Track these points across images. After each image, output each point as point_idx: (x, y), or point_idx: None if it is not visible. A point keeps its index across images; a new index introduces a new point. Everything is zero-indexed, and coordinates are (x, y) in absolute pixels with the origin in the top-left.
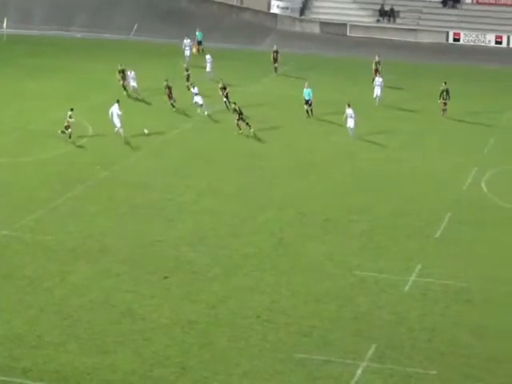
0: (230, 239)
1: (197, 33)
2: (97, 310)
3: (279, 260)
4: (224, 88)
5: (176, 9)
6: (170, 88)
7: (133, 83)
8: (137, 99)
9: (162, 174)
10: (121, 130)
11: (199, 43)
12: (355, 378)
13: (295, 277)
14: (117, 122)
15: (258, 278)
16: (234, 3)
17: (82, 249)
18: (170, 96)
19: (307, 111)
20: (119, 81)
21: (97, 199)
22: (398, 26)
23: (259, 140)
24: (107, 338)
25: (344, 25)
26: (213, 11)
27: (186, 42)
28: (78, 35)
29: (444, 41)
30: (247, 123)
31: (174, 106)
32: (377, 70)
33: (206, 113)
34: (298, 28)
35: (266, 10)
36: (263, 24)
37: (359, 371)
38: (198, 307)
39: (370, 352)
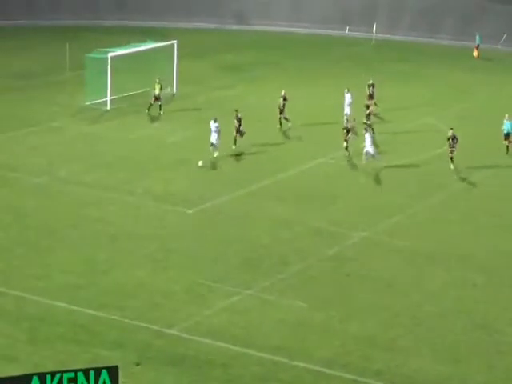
0: None
1: (477, 36)
2: (451, 319)
3: None
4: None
5: None
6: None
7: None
8: None
9: None
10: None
11: (478, 47)
12: None
13: None
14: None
15: None
16: None
17: (439, 256)
18: None
19: (507, 147)
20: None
21: (456, 207)
22: None
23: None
24: (460, 347)
25: None
26: None
27: None
28: (444, 42)
29: None
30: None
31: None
32: None
33: None
34: None
35: None
36: None
37: None
38: None
39: None
